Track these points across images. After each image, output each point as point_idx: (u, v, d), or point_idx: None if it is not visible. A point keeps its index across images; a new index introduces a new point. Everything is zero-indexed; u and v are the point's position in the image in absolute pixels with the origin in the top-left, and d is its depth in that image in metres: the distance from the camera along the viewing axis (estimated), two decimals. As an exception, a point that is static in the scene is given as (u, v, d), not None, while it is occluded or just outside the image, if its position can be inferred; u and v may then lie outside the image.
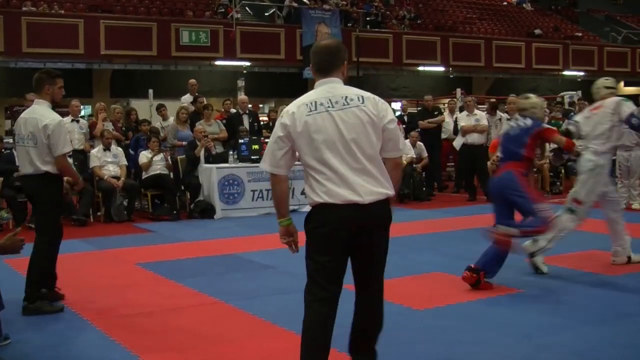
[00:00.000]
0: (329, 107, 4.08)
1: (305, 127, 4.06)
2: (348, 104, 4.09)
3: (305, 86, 25.69)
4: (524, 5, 35.34)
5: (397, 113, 17.58)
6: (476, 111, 14.48)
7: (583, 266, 7.84)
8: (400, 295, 6.55)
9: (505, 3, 35.20)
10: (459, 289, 6.84)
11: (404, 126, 15.66)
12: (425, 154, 14.76)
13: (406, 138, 14.68)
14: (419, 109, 18.24)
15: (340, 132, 4.04)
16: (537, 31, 31.32)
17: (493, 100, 18.10)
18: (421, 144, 14.70)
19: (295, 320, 5.69)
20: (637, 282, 7.12)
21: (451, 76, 27.56)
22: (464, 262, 7.51)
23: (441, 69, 27.14)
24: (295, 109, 4.13)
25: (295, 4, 24.86)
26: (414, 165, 14.11)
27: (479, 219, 11.40)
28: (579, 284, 7.10)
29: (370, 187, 4.03)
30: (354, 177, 4.01)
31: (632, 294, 6.66)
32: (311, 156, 4.07)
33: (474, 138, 13.92)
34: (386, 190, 4.09)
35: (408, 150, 14.17)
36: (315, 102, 4.11)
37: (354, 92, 4.16)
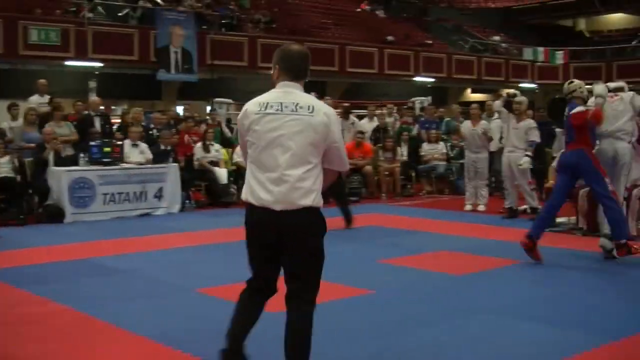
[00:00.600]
0: (277, 110, 4.16)
1: (251, 125, 4.18)
2: (297, 111, 4.15)
3: (159, 88, 25.41)
4: (377, 12, 36.13)
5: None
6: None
7: (432, 266, 8.11)
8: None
9: (359, 10, 35.87)
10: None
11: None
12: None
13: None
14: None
15: (281, 136, 4.11)
16: (390, 38, 32.07)
17: (347, 104, 18.43)
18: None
19: (147, 326, 5.67)
20: (479, 280, 7.43)
21: (305, 80, 27.78)
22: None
23: (296, 72, 27.31)
24: (248, 107, 4.25)
25: (149, 5, 24.50)
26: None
27: (333, 221, 11.61)
28: (427, 284, 7.34)
29: (292, 196, 4.09)
30: (279, 183, 4.10)
31: (475, 292, 6.93)
32: (252, 153, 4.20)
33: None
34: (307, 203, 4.11)
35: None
36: (267, 104, 4.20)
37: (306, 100, 4.23)
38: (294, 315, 4.34)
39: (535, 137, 11.84)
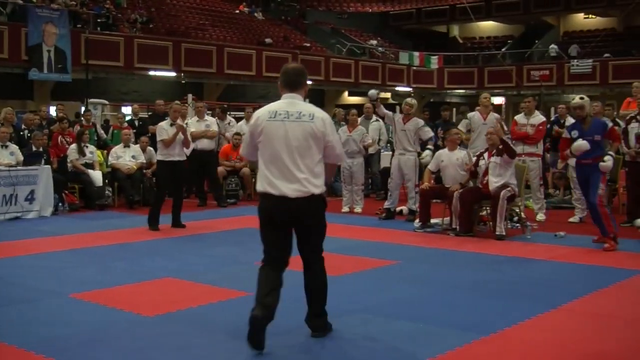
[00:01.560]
0: (284, 118, 5.28)
1: (264, 130, 5.30)
2: (300, 119, 5.29)
3: (31, 88, 24.66)
4: (256, 14, 36.19)
5: (128, 117, 17.33)
6: (206, 117, 14.62)
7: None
8: (130, 303, 6.50)
9: (237, 11, 35.83)
10: (190, 295, 6.90)
11: (134, 131, 15.47)
12: (155, 159, 14.62)
13: (136, 143, 14.52)
14: (149, 113, 18.09)
15: (288, 139, 5.23)
16: (268, 40, 32.18)
17: (225, 105, 18.36)
18: (151, 148, 14.53)
19: (20, 334, 5.50)
20: (357, 280, 7.55)
21: (183, 81, 27.58)
22: (194, 267, 7.57)
23: (173, 74, 27.08)
24: (260, 114, 5.39)
25: (20, 2, 23.72)
26: (144, 170, 13.98)
27: (209, 224, 11.57)
28: (300, 284, 7.38)
29: (299, 187, 5.20)
30: (285, 174, 5.23)
31: (349, 291, 7.03)
32: (264, 153, 5.31)
33: (204, 144, 14.03)
34: (312, 190, 5.23)
35: (139, 155, 14.04)
36: (276, 112, 5.33)
37: (307, 109, 5.39)
38: (317, 269, 5.50)
39: (429, 133, 12.19)
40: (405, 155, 11.93)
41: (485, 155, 10.52)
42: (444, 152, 11.19)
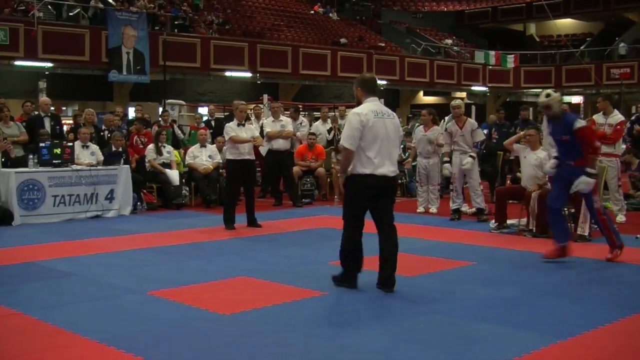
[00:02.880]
0: (382, 115, 6.89)
1: (373, 125, 6.78)
2: (389, 116, 6.98)
3: (110, 89, 25.19)
4: (330, 14, 36.25)
5: (204, 118, 17.54)
6: (282, 117, 14.71)
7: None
8: (206, 301, 6.58)
9: (312, 12, 35.95)
10: (264, 293, 6.95)
11: (210, 131, 15.66)
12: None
13: (212, 143, 14.69)
14: (226, 114, 18.29)
15: (387, 132, 6.86)
16: (343, 40, 32.20)
17: (300, 106, 18.44)
18: (228, 149, 14.73)
19: (99, 329, 5.62)
20: (429, 281, 7.49)
21: (258, 82, 27.81)
22: (269, 267, 7.64)
23: (248, 74, 27.33)
24: (367, 112, 6.82)
25: (101, 5, 24.26)
26: (221, 170, 14.14)
27: (285, 224, 11.63)
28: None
29: (394, 168, 6.95)
30: (386, 160, 6.84)
31: (425, 293, 6.99)
32: (369, 143, 6.77)
33: (280, 144, 14.13)
34: (396, 171, 7.05)
35: (215, 155, 14.20)
36: (376, 111, 6.88)
37: (388, 109, 7.09)
38: (392, 234, 6.98)
39: (481, 136, 12.03)
40: (466, 155, 11.89)
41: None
42: (524, 149, 10.88)
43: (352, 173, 6.89)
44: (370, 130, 6.75)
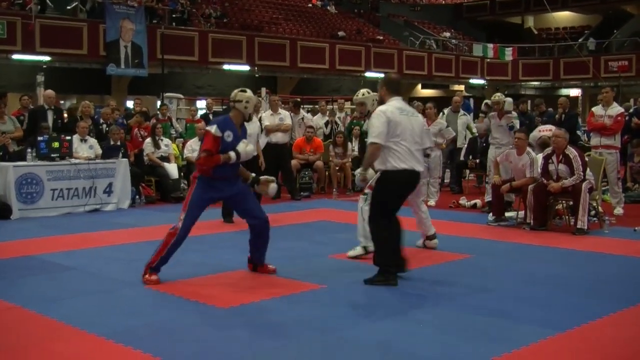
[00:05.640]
0: (406, 113, 7.07)
1: (400, 122, 6.93)
2: (414, 114, 7.21)
3: (108, 83, 25.17)
4: (328, 7, 36.23)
5: (202, 111, 17.52)
6: (280, 110, 14.68)
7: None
8: (204, 294, 6.59)
9: (310, 5, 35.93)
10: (263, 286, 6.96)
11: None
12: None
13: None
14: (224, 107, 18.29)
15: (413, 129, 7.03)
16: (341, 33, 32.18)
17: (299, 99, 18.43)
18: (227, 142, 14.72)
19: (98, 323, 5.63)
20: (428, 274, 7.51)
21: (256, 75, 27.80)
22: (268, 260, 7.65)
23: (246, 68, 27.32)
24: (392, 110, 6.97)
25: (99, -1, 24.24)
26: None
27: (283, 217, 11.64)
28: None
29: (421, 164, 7.17)
30: (415, 155, 7.02)
31: (424, 286, 7.01)
32: (396, 140, 6.90)
33: (278, 137, 14.12)
34: (422, 167, 7.26)
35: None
36: (401, 108, 7.06)
37: (412, 108, 7.39)
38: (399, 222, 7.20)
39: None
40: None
41: (554, 158, 10.23)
42: (512, 154, 10.87)
43: (387, 169, 6.98)
44: (398, 126, 6.90)
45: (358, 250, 8.28)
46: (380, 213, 7.05)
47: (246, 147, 7.08)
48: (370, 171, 8.18)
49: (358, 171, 7.32)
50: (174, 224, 7.14)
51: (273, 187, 7.63)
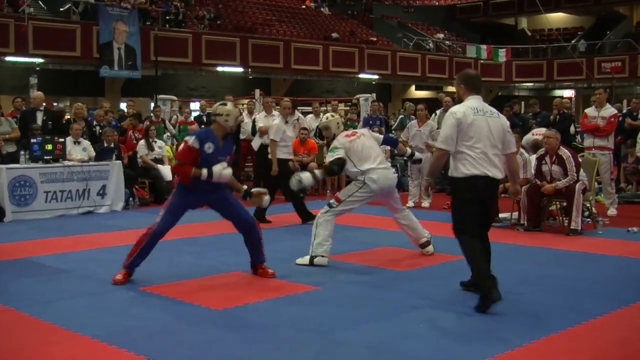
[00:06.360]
0: (483, 113, 6.28)
1: (473, 123, 6.19)
2: (492, 114, 6.36)
3: (102, 85, 25.13)
4: (322, 9, 36.24)
5: (196, 113, 17.50)
6: (274, 112, 14.66)
7: (375, 262, 8.17)
8: (198, 296, 6.58)
9: (303, 6, 35.93)
10: (257, 288, 6.96)
11: (202, 126, 15.63)
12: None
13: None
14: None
15: (490, 130, 6.24)
16: (335, 35, 32.20)
17: (286, 100, 18.37)
18: (220, 144, 14.69)
19: (91, 325, 5.61)
20: (422, 276, 7.51)
21: (250, 77, 27.79)
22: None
23: (240, 69, 27.31)
24: (464, 110, 6.23)
25: (92, 1, 24.20)
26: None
27: (277, 218, 11.63)
28: (372, 280, 7.39)
29: (499, 170, 6.30)
30: (491, 160, 6.22)
31: (419, 287, 7.01)
32: (472, 142, 6.18)
33: (271, 138, 14.09)
34: (502, 174, 6.37)
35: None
36: (476, 108, 6.28)
37: (490, 108, 6.45)
38: (487, 240, 6.54)
39: None
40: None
41: (547, 159, 10.24)
42: None
43: (456, 177, 6.29)
44: (470, 127, 6.17)
45: (305, 259, 8.06)
46: (459, 230, 6.35)
47: (222, 170, 7.04)
48: (306, 174, 8.21)
49: (426, 179, 6.91)
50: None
51: (266, 199, 7.58)
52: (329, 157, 8.22)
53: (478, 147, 6.18)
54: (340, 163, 8.13)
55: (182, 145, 7.22)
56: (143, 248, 7.16)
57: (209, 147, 7.02)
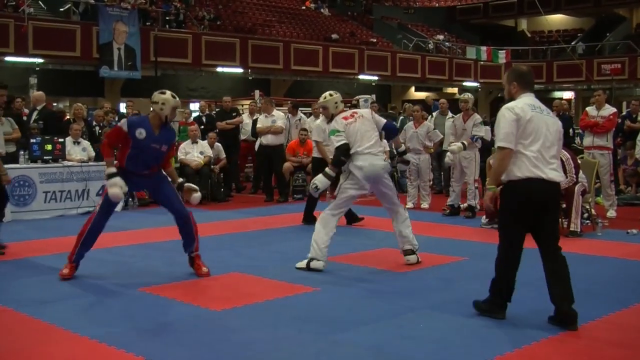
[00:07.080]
0: (540, 111, 5.80)
1: (532, 119, 5.67)
2: (548, 113, 5.91)
3: (102, 85, 25.12)
4: (322, 10, 36.23)
5: (196, 114, 17.50)
6: (274, 112, 14.67)
7: (374, 263, 8.16)
8: (197, 297, 6.58)
9: (303, 7, 35.92)
10: (256, 289, 6.95)
11: (202, 127, 15.63)
12: (223, 155, 14.74)
13: (204, 139, 14.64)
14: (217, 110, 18.27)
15: (548, 129, 5.73)
16: (334, 36, 32.19)
17: (289, 101, 18.41)
18: (219, 145, 14.70)
19: (90, 326, 5.61)
20: (422, 277, 7.51)
21: (250, 78, 27.78)
22: (261, 262, 7.63)
23: (240, 70, 27.30)
24: (522, 106, 5.73)
25: (92, 1, 24.19)
26: (212, 166, 14.11)
27: (277, 219, 11.63)
28: (371, 281, 7.39)
29: (560, 172, 5.80)
30: (548, 162, 5.69)
31: (418, 288, 7.00)
32: (530, 140, 5.65)
33: (269, 139, 14.10)
34: (562, 177, 5.97)
35: (206, 151, 14.17)
36: (533, 105, 5.79)
37: (545, 106, 5.95)
38: (561, 259, 5.92)
39: (479, 132, 11.74)
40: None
41: None
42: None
43: (509, 180, 5.73)
44: (529, 124, 5.64)
45: (303, 263, 7.87)
46: (503, 235, 5.98)
47: (112, 189, 7.21)
48: (320, 177, 7.99)
49: (488, 187, 5.98)
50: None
51: (195, 197, 7.62)
52: (332, 141, 8.03)
53: (535, 147, 5.65)
54: (345, 149, 7.81)
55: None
56: (84, 239, 7.36)
57: (140, 133, 7.15)
